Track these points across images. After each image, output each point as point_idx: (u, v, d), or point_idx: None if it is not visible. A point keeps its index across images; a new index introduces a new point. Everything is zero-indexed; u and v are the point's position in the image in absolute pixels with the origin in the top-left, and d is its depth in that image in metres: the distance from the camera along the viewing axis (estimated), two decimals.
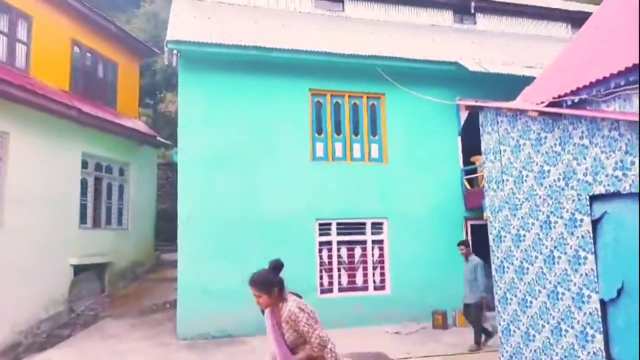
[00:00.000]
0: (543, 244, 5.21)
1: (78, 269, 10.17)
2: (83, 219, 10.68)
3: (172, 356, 7.75)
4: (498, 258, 5.92)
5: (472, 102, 6.34)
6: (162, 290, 11.63)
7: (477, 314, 7.77)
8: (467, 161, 10.90)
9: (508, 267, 5.74)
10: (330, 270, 10.04)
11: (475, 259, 7.88)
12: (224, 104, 9.81)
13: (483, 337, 7.79)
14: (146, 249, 13.53)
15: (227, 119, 9.77)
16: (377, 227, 10.29)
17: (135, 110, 14.17)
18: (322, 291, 9.87)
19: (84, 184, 10.82)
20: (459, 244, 8.13)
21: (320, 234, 10.00)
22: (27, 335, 8.48)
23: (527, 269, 5.43)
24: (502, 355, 5.83)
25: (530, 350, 5.35)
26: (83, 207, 10.72)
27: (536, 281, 5.30)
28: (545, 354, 5.15)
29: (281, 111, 10.03)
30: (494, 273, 5.99)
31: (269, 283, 3.41)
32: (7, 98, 8.43)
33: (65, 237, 9.82)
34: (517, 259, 5.59)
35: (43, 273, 9.04)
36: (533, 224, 5.37)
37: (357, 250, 10.24)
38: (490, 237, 6.06)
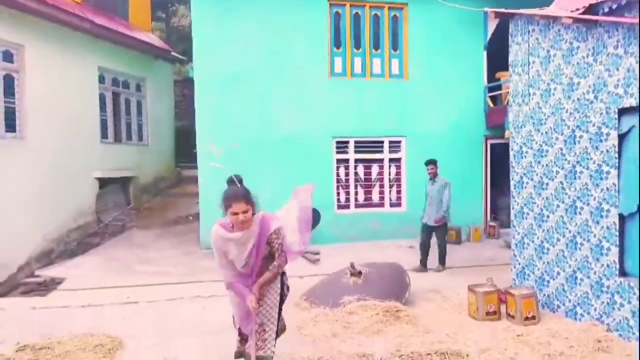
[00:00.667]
0: (565, 159, 5.14)
1: (103, 182, 10.48)
2: (104, 134, 10.81)
3: (197, 263, 8.17)
4: (517, 174, 5.89)
5: (502, 10, 5.98)
6: (184, 204, 12.02)
7: (444, 235, 7.76)
8: (491, 78, 10.52)
9: (527, 183, 5.72)
10: (347, 187, 10.17)
11: (443, 179, 7.64)
12: (239, 16, 9.45)
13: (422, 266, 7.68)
14: (167, 165, 13.81)
15: (242, 32, 9.45)
16: (395, 145, 10.24)
17: (147, 23, 13.78)
18: (339, 207, 10.09)
19: (102, 99, 10.83)
20: (428, 163, 7.70)
21: (338, 152, 10.02)
22: (58, 243, 8.96)
23: (547, 184, 5.40)
24: (514, 267, 5.99)
25: (543, 263, 5.48)
26: (103, 123, 10.81)
27: (555, 196, 5.29)
28: (558, 266, 5.27)
29: (298, 23, 9.65)
30: (512, 189, 5.99)
31: (250, 195, 3.30)
32: (18, 8, 8.21)
33: (88, 150, 10.02)
34: (537, 175, 5.55)
35: (69, 185, 9.34)
36: (557, 138, 5.26)
37: (374, 168, 10.29)
38: (511, 154, 5.99)
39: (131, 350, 4.58)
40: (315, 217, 9.35)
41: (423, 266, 7.69)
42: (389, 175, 10.22)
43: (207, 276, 7.41)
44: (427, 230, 7.70)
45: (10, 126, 8.27)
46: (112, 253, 8.85)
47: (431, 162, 7.71)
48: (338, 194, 10.09)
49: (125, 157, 11.45)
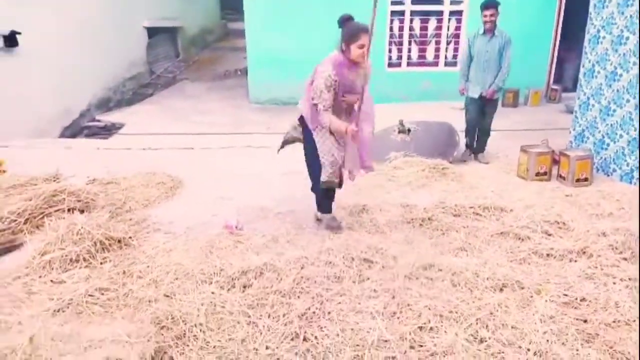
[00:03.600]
0: None
1: (151, 32, 10.39)
2: None
3: (247, 116, 8.33)
4: (595, 27, 5.28)
5: None
6: (232, 58, 11.91)
7: (494, 112, 5.83)
8: None
9: (604, 37, 5.15)
10: (401, 43, 9.60)
11: (504, 33, 5.43)
12: None
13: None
14: (213, 16, 13.41)
15: None
16: None
17: None
18: (390, 65, 9.67)
19: None
20: (488, 6, 5.33)
21: (393, 3, 9.26)
22: (115, 91, 9.26)
23: (627, 38, 4.84)
24: (574, 129, 5.72)
25: (607, 125, 5.17)
26: None
27: (633, 52, 4.78)
28: (622, 129, 4.98)
29: None
30: (586, 44, 5.43)
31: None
32: None
33: None
34: (617, 27, 4.96)
35: (120, 35, 9.33)
36: None
37: (432, 23, 9.55)
38: (592, 3, 5.31)
39: (190, 189, 4.92)
40: None
41: (471, 151, 6.04)
42: (447, 30, 9.50)
43: (256, 128, 7.59)
44: (477, 106, 5.74)
45: None
46: (166, 102, 9.12)
47: (492, 5, 5.32)
48: (390, 50, 9.59)
49: (171, 6, 11.15)
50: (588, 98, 5.43)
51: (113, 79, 9.26)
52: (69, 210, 3.97)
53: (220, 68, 11.53)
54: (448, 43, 9.61)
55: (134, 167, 5.37)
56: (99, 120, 8.08)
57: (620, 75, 4.96)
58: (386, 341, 2.52)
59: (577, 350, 2.51)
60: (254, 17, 8.97)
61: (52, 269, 3.22)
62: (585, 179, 4.95)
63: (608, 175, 5.20)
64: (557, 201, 4.54)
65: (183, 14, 11.53)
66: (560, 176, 5.10)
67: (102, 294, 2.97)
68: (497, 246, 3.62)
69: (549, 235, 3.73)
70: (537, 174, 5.17)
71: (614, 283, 3.10)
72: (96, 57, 8.64)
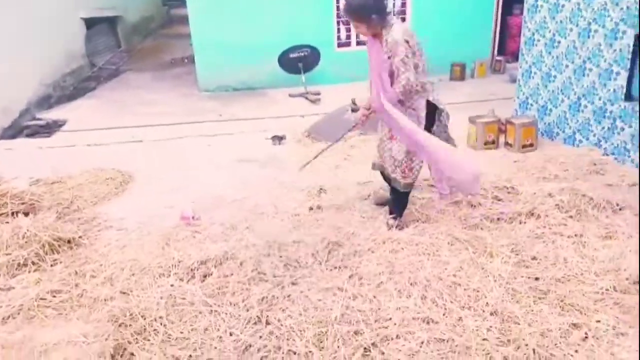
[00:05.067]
0: None
1: (89, 23, 9.88)
2: None
3: (197, 105, 8.11)
4: None
5: None
6: (177, 46, 11.54)
7: None
8: None
9: (541, 7, 5.30)
10: (349, 22, 9.56)
11: None
12: None
13: None
14: (154, 3, 12.91)
15: None
16: None
17: None
18: (340, 45, 9.64)
19: None
20: None
21: None
22: (55, 87, 8.78)
23: (563, 6, 5.02)
24: (518, 98, 5.90)
25: (549, 91, 5.37)
26: None
27: (570, 19, 4.95)
28: (563, 94, 5.18)
29: None
30: (525, 14, 5.58)
31: (365, 8, 3.06)
32: None
33: None
34: None
35: (55, 27, 8.81)
36: None
37: None
38: None
39: (141, 183, 4.77)
40: (315, 56, 9.08)
41: None
42: (394, 7, 9.54)
43: (208, 116, 7.42)
44: None
45: None
46: (109, 95, 8.75)
47: None
48: (338, 30, 9.55)
49: None
50: (530, 66, 5.61)
51: (51, 75, 8.77)
52: (12, 214, 3.76)
53: (166, 56, 11.16)
54: None
55: (80, 164, 5.13)
56: (39, 119, 7.66)
57: (559, 42, 5.14)
58: (349, 316, 2.55)
59: (530, 306, 2.63)
60: (197, 2, 8.69)
61: None
62: (531, 145, 5.14)
63: (552, 140, 5.43)
64: (505, 168, 4.70)
65: (122, 2, 11.03)
66: (507, 143, 5.28)
67: (54, 296, 2.86)
68: (452, 215, 3.72)
69: (499, 200, 3.87)
70: (486, 143, 5.33)
71: (562, 241, 3.25)
72: (32, 53, 8.13)
